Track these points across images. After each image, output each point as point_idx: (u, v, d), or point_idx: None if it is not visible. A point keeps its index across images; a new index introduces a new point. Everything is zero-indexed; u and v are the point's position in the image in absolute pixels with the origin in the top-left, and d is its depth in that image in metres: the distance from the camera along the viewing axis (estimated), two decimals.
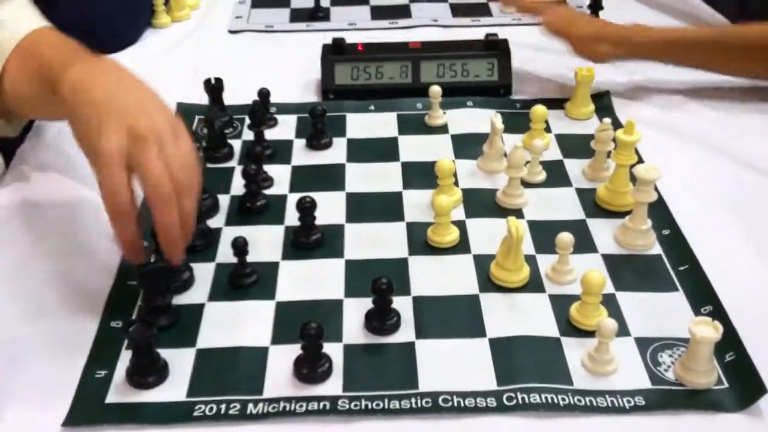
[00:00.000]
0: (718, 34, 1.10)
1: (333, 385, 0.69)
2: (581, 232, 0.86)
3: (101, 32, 1.18)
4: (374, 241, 0.85)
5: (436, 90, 1.04)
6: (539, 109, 0.98)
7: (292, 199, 0.89)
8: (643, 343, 0.73)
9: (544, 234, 0.85)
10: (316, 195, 0.85)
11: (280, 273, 0.81)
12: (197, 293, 0.79)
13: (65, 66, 0.78)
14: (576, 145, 1.01)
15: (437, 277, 0.81)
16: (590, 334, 0.72)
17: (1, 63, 0.86)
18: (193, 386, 0.69)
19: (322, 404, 0.67)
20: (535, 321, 0.76)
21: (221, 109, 1.05)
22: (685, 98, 1.11)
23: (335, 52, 1.13)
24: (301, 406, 0.67)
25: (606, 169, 0.94)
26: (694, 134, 1.03)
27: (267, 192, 0.92)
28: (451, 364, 0.71)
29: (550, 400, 0.67)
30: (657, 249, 0.84)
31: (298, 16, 1.37)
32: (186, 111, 1.07)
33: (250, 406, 0.67)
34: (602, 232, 0.87)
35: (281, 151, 1.00)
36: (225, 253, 0.82)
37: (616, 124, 1.01)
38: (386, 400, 0.68)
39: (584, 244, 0.84)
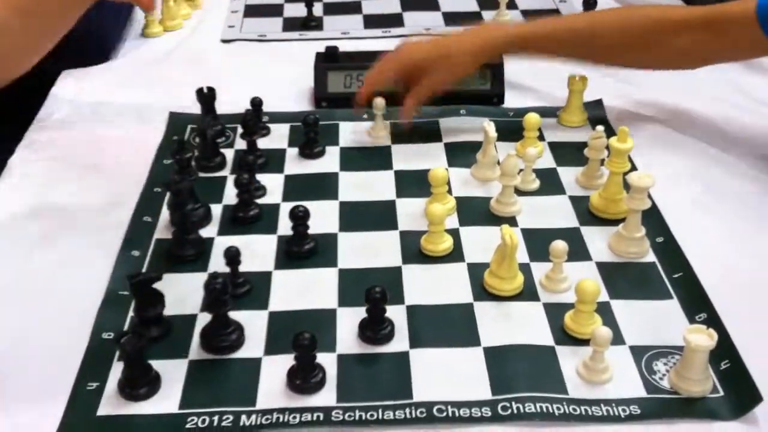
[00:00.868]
0: (592, 22, 1.05)
1: (327, 396, 0.69)
2: (575, 240, 0.86)
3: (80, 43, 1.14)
4: (368, 250, 0.85)
5: (378, 102, 1.02)
6: (532, 118, 0.98)
7: (285, 208, 0.88)
8: (637, 352, 0.73)
9: (538, 242, 0.85)
10: (309, 204, 0.85)
11: (273, 283, 0.81)
12: (189, 304, 0.78)
13: None
14: (569, 153, 1.01)
15: (431, 285, 0.80)
16: (585, 342, 0.72)
17: None
18: (186, 398, 0.69)
19: (315, 415, 0.67)
20: (530, 330, 0.75)
21: (214, 119, 1.05)
22: (678, 106, 1.11)
23: (328, 60, 1.13)
24: (294, 418, 0.67)
25: (599, 177, 0.94)
26: (688, 142, 1.03)
27: (260, 201, 0.92)
28: (446, 374, 0.71)
29: (545, 410, 0.67)
30: (651, 257, 0.84)
31: (290, 25, 1.37)
32: (178, 120, 1.07)
33: (243, 417, 0.67)
34: (596, 240, 0.87)
35: (274, 160, 1.00)
36: (217, 263, 0.82)
37: (609, 132, 1.01)
38: (380, 411, 0.67)
39: (578, 252, 0.84)
